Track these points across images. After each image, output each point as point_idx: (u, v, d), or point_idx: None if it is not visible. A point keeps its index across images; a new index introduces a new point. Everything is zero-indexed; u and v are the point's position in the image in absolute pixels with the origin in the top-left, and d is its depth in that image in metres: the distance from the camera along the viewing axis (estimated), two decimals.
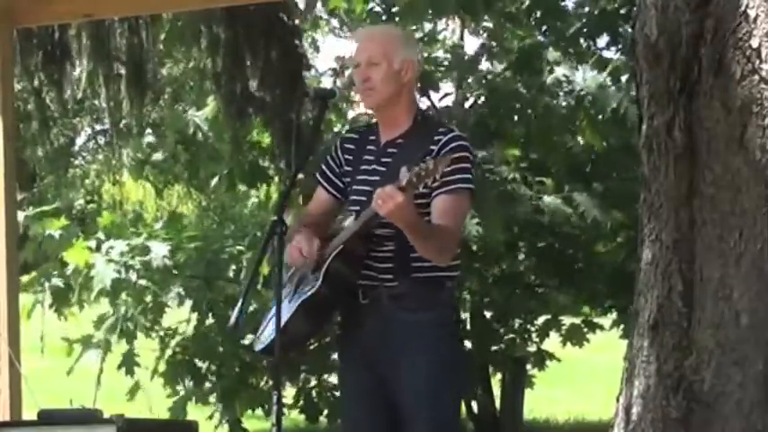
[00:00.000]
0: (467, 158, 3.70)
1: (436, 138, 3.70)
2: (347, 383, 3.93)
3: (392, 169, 3.67)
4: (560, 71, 7.49)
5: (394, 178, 3.51)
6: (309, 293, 3.64)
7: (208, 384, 7.19)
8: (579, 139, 7.80)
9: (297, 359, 7.10)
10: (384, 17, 8.15)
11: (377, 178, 3.74)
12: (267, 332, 3.78)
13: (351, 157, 3.88)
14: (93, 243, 7.00)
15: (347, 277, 3.68)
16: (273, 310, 3.74)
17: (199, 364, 7.18)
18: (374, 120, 3.95)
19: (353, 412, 3.86)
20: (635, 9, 3.62)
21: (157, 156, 8.43)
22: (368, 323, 3.73)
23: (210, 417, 7.15)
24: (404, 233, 3.55)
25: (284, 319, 3.62)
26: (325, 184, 3.92)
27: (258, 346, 3.86)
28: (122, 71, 10.20)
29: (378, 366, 3.73)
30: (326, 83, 8.79)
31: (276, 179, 8.56)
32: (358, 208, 3.74)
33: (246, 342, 6.89)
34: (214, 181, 8.31)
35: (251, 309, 6.61)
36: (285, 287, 3.77)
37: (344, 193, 3.89)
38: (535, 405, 8.99)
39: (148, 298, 6.99)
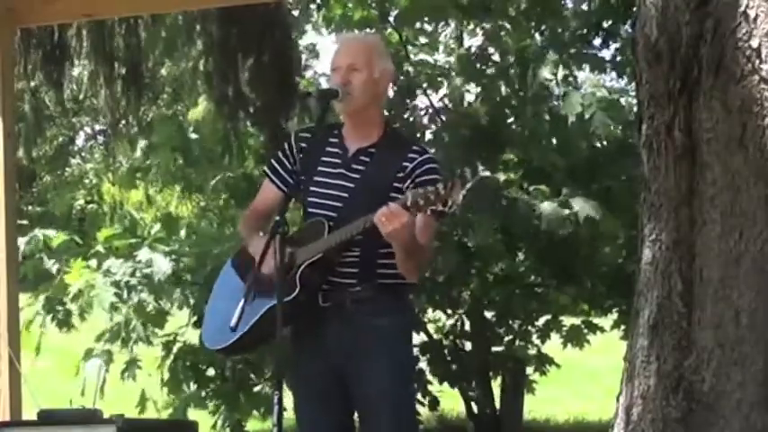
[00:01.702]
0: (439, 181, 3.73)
1: (411, 155, 3.74)
2: (304, 385, 3.91)
3: (366, 178, 3.71)
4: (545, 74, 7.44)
5: (369, 188, 3.54)
6: (289, 299, 3.60)
7: (208, 388, 7.17)
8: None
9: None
10: (382, 23, 8.14)
11: (349, 185, 3.75)
12: (219, 330, 3.73)
13: (304, 156, 3.86)
14: (92, 260, 6.96)
15: (318, 283, 3.69)
16: (217, 305, 3.72)
17: (200, 366, 7.16)
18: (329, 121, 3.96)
19: (311, 414, 3.86)
20: (635, 9, 3.63)
21: (152, 162, 8.37)
22: (328, 327, 3.74)
23: (214, 426, 7.14)
24: (372, 241, 3.56)
25: (250, 319, 3.62)
26: (276, 180, 3.91)
27: (216, 344, 3.82)
28: (121, 71, 10.22)
29: (336, 369, 3.75)
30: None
31: None
32: (331, 213, 3.73)
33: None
34: (212, 182, 8.27)
35: None
36: (233, 284, 3.78)
37: (294, 191, 3.88)
38: (535, 405, 8.98)
39: (150, 308, 6.97)
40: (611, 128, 7.37)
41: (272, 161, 3.95)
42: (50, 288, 6.90)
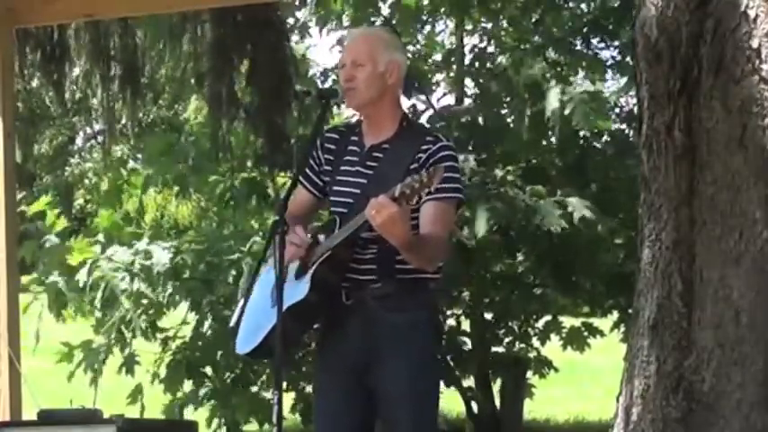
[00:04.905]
0: (456, 168, 3.72)
1: (424, 147, 3.70)
2: (326, 384, 3.90)
3: (379, 174, 3.69)
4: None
5: (381, 183, 3.51)
6: (298, 300, 3.62)
7: (204, 388, 7.17)
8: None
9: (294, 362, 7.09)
10: (380, 19, 8.14)
11: (363, 181, 3.75)
12: (249, 333, 3.75)
13: (331, 157, 3.86)
14: (96, 247, 6.96)
15: (333, 282, 3.69)
16: (246, 311, 3.72)
17: (197, 366, 7.16)
18: (355, 119, 3.94)
19: (331, 413, 3.85)
20: (635, 9, 3.63)
21: (144, 169, 8.33)
22: (351, 324, 3.73)
23: (209, 422, 7.14)
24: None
25: (270, 323, 3.63)
26: (306, 183, 3.92)
27: (244, 349, 3.84)
28: (118, 71, 10.19)
29: (359, 366, 3.74)
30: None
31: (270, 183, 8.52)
32: (343, 210, 3.74)
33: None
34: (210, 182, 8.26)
35: None
36: (259, 288, 3.78)
37: (324, 192, 3.89)
38: (535, 405, 8.98)
39: (145, 301, 6.96)
40: (597, 121, 7.28)
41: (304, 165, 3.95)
42: (49, 268, 6.88)
